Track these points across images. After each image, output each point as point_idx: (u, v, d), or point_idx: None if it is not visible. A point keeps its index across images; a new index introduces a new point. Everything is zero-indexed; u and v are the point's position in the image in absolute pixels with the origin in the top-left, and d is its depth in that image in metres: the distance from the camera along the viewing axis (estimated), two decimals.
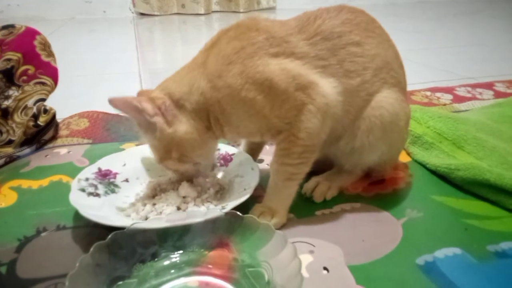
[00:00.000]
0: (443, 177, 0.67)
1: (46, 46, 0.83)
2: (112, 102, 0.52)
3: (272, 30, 0.55)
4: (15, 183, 0.68)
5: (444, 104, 1.01)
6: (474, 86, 1.15)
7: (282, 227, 0.56)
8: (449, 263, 0.49)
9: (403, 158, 0.75)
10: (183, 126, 0.56)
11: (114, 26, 2.56)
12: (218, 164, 0.69)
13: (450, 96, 1.07)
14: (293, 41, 0.55)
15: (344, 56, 0.55)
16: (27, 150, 0.80)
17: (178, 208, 0.57)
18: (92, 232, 0.55)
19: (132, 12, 2.91)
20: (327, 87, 0.54)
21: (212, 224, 0.49)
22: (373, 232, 0.55)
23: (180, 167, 0.60)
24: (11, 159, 0.77)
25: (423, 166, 0.72)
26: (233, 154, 0.70)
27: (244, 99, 0.53)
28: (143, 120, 0.55)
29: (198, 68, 0.56)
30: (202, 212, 0.50)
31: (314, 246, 0.52)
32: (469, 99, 1.05)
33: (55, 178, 0.70)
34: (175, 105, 0.56)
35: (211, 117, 0.56)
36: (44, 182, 0.69)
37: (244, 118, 0.55)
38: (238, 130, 0.57)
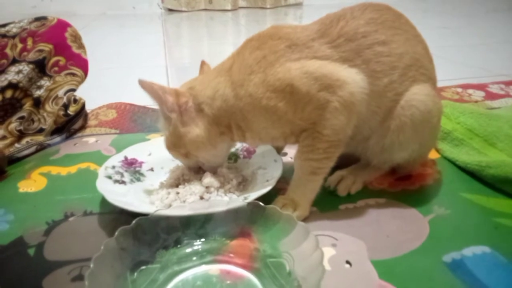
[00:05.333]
0: (473, 174, 0.65)
1: (77, 38, 0.86)
2: (141, 83, 0.54)
3: (293, 37, 0.55)
4: (45, 169, 0.71)
5: (476, 101, 0.98)
6: (508, 83, 1.11)
7: (304, 220, 0.55)
8: (478, 261, 0.47)
9: (432, 154, 0.72)
10: (197, 130, 0.57)
11: (143, 21, 2.61)
12: (241, 156, 0.69)
13: (482, 93, 1.03)
14: (315, 46, 0.54)
15: (370, 57, 0.54)
16: (57, 138, 0.83)
17: (201, 198, 0.57)
18: (117, 219, 0.56)
19: (161, 8, 2.95)
20: (352, 78, 0.53)
21: (234, 214, 0.49)
22: (398, 228, 0.54)
23: (184, 160, 0.62)
24: (42, 147, 0.80)
25: (452, 163, 0.69)
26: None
27: (265, 107, 0.53)
28: (163, 109, 0.57)
29: (224, 75, 0.57)
30: (224, 201, 0.50)
31: (336, 239, 0.52)
32: (503, 96, 1.01)
33: (83, 165, 0.72)
34: (196, 108, 0.57)
35: (232, 124, 0.57)
36: (73, 169, 0.71)
37: (266, 125, 0.55)
38: (260, 136, 0.58)
